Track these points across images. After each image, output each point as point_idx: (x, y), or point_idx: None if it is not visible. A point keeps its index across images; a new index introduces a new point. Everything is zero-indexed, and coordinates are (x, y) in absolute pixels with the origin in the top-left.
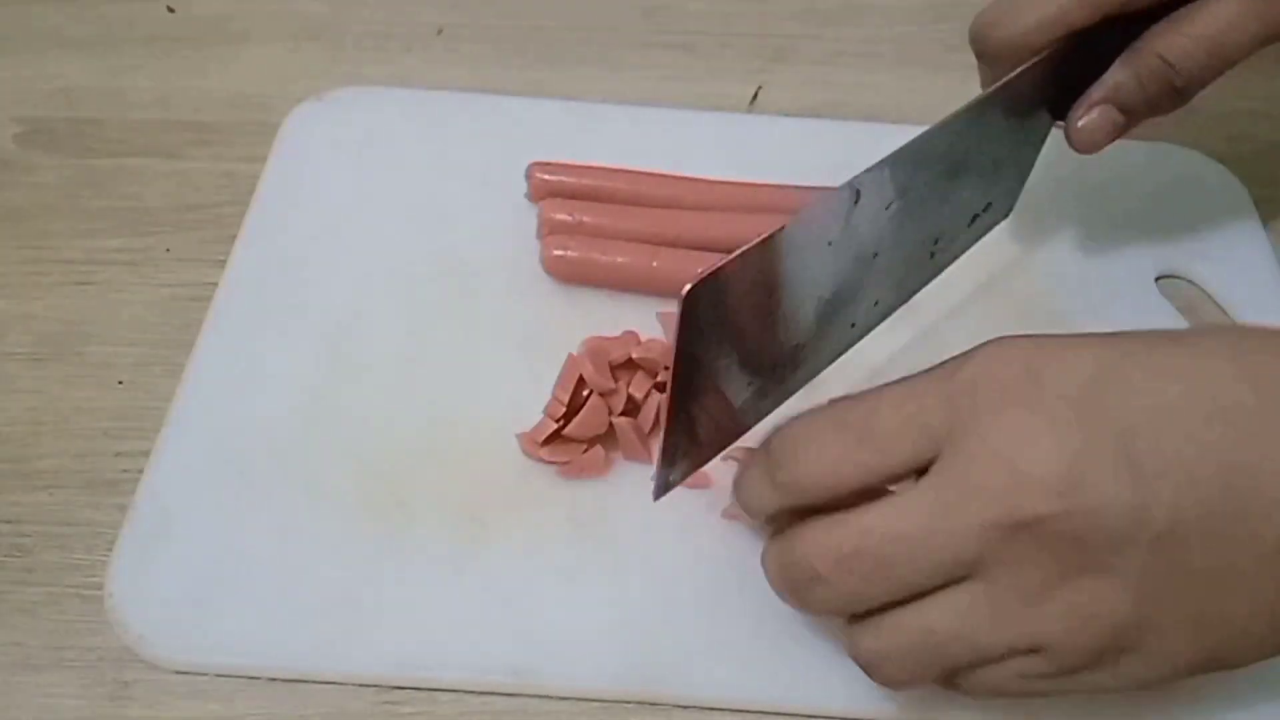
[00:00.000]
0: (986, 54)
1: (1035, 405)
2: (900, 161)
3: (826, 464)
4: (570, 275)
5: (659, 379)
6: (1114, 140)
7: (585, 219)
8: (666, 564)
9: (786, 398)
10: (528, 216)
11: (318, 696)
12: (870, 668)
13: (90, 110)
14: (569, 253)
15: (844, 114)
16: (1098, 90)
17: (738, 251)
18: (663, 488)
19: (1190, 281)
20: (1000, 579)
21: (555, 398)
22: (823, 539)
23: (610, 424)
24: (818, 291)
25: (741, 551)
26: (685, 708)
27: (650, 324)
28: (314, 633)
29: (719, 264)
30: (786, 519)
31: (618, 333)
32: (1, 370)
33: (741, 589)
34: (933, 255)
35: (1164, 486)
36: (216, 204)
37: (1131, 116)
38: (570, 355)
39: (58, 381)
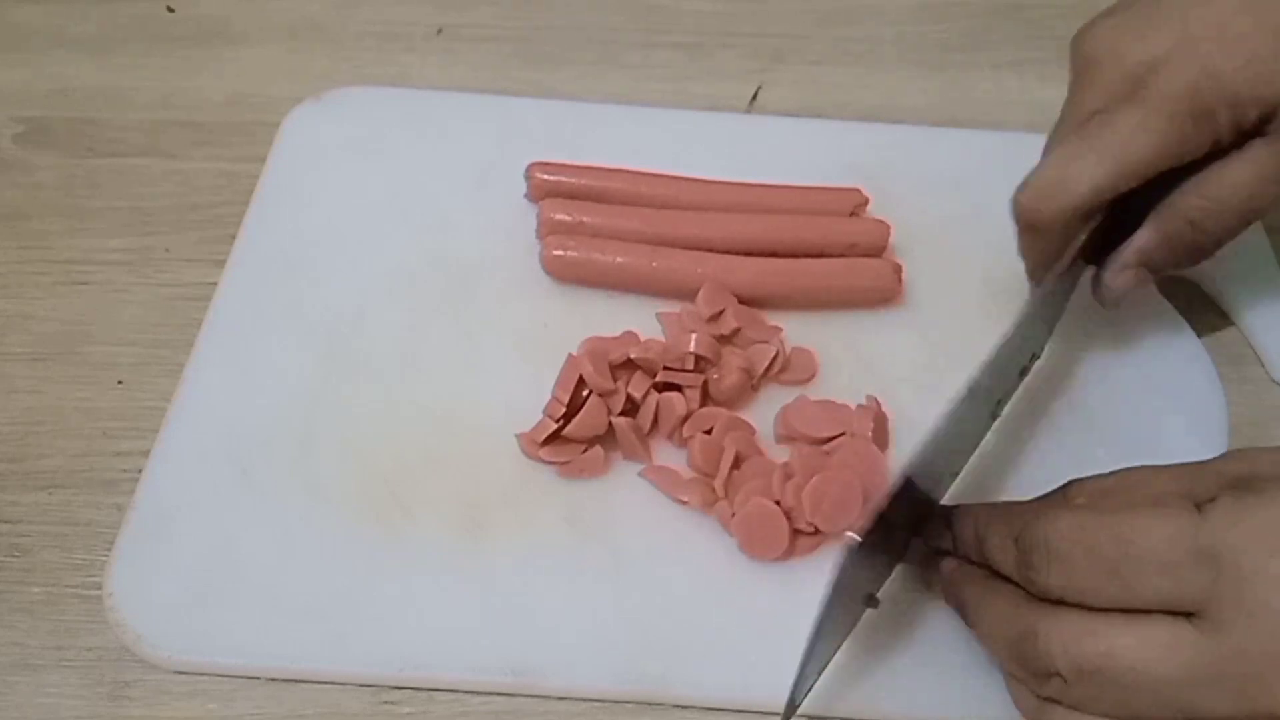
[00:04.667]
0: (1037, 225)
1: None
2: (1001, 353)
3: (1073, 588)
4: (570, 275)
5: (658, 379)
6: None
7: (585, 219)
8: (666, 564)
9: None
10: (528, 216)
11: (316, 696)
12: None
13: (90, 110)
14: (569, 253)
15: (844, 114)
16: (1128, 253)
17: (890, 493)
18: (794, 708)
19: (1190, 281)
20: None
21: (555, 398)
22: (1070, 643)
23: (610, 424)
24: (926, 483)
25: (741, 551)
26: (685, 708)
27: (650, 324)
28: (313, 632)
29: (878, 508)
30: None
31: (617, 333)
32: (1, 370)
33: (741, 588)
34: (993, 415)
35: None
36: (216, 204)
37: (1157, 273)
38: (570, 355)
39: (58, 381)
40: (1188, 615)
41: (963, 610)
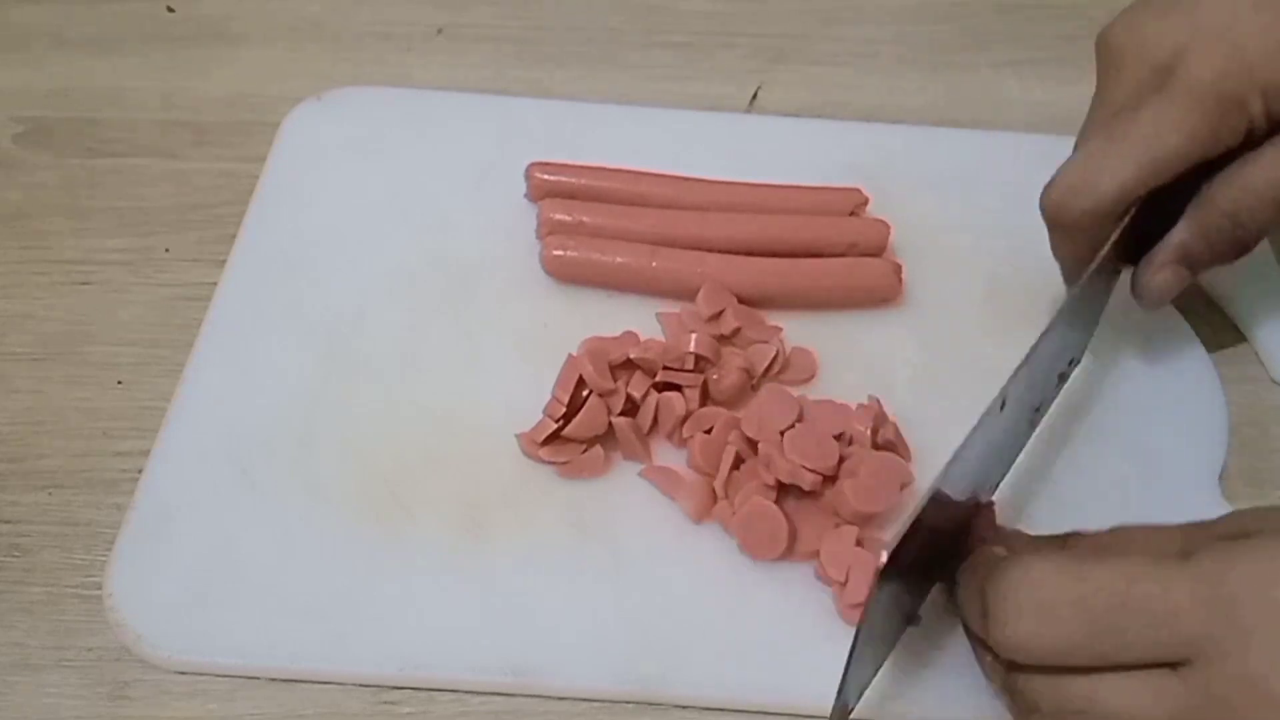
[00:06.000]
0: (1065, 225)
1: None
2: (1034, 359)
3: (1059, 644)
4: (570, 275)
5: (658, 379)
6: (1179, 291)
7: (585, 219)
8: (666, 564)
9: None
10: (528, 216)
11: (316, 696)
12: None
13: (90, 110)
14: (569, 253)
15: (843, 114)
16: (1165, 250)
17: (918, 507)
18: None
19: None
20: None
21: (555, 398)
22: (1051, 689)
23: (610, 424)
24: (960, 497)
25: (741, 551)
26: (685, 708)
27: (650, 324)
28: (313, 632)
29: (906, 531)
30: None
31: (617, 333)
32: (1, 370)
33: (741, 588)
34: (1031, 423)
35: None
36: (216, 204)
37: (1197, 270)
38: (570, 355)
39: (58, 381)
40: (1172, 664)
41: (970, 639)
